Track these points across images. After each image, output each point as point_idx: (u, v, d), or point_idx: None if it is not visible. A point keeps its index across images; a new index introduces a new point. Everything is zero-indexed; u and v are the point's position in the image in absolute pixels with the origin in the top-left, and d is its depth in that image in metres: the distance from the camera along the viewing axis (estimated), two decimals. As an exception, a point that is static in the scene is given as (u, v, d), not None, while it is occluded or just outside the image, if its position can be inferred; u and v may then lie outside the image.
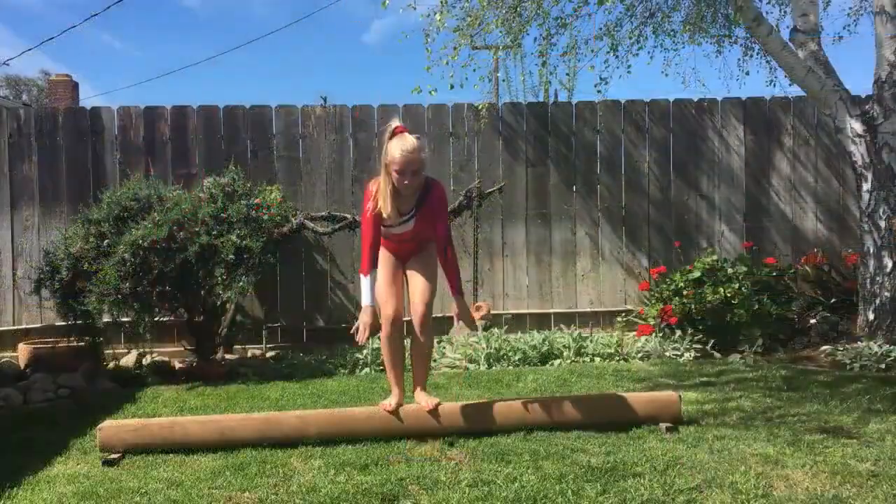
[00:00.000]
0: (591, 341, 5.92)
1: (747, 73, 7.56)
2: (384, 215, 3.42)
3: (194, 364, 5.73)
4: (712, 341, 5.79)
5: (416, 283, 3.62)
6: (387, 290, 3.58)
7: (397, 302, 3.57)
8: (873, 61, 5.79)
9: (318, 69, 67.20)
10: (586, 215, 6.99)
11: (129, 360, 6.03)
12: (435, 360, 5.69)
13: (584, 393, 4.43)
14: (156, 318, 5.47)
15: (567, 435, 3.44)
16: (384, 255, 3.63)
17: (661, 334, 5.99)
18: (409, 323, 3.63)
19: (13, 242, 6.55)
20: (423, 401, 3.57)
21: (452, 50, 6.03)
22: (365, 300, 3.42)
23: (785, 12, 7.20)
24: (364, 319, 3.37)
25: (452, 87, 6.19)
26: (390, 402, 3.53)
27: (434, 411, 3.50)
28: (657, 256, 6.98)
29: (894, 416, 3.65)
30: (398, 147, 3.28)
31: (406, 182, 3.31)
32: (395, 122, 3.40)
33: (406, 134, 3.34)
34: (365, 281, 3.43)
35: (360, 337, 3.35)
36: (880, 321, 5.66)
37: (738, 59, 7.56)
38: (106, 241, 5.30)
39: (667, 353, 5.70)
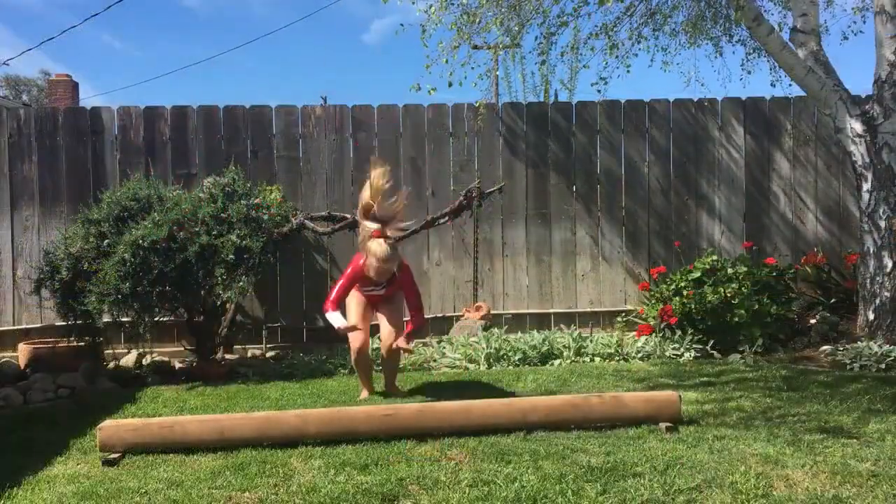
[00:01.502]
0: (591, 341, 5.92)
1: (749, 73, 7.56)
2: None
3: (194, 364, 5.73)
4: (712, 341, 5.78)
5: (386, 325, 4.41)
6: (356, 326, 4.34)
7: (364, 337, 4.37)
8: (874, 61, 5.80)
9: (318, 69, 67.28)
10: (586, 215, 6.99)
11: (129, 360, 6.03)
12: (435, 360, 5.71)
13: (583, 393, 4.43)
14: (156, 318, 5.46)
15: (567, 435, 3.44)
16: (357, 297, 4.45)
17: (661, 334, 5.99)
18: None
19: (13, 242, 6.55)
20: (396, 392, 4.51)
21: (452, 49, 6.02)
22: (339, 322, 4.23)
23: (785, 13, 7.20)
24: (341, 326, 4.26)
25: (451, 84, 6.19)
26: (362, 395, 4.47)
27: (432, 410, 3.57)
28: (657, 256, 6.98)
29: (894, 416, 3.65)
30: (374, 252, 4.09)
31: (373, 276, 4.20)
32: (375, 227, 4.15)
33: (381, 241, 4.09)
34: (333, 315, 4.25)
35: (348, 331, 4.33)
36: (880, 321, 5.66)
37: (742, 60, 7.56)
38: (106, 241, 5.30)
39: (667, 353, 5.70)
